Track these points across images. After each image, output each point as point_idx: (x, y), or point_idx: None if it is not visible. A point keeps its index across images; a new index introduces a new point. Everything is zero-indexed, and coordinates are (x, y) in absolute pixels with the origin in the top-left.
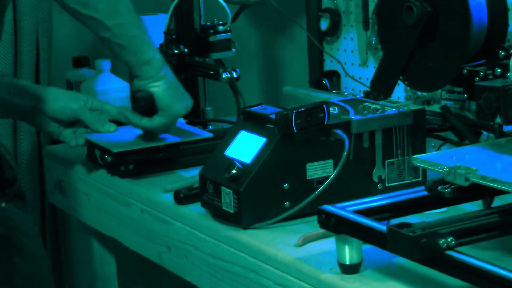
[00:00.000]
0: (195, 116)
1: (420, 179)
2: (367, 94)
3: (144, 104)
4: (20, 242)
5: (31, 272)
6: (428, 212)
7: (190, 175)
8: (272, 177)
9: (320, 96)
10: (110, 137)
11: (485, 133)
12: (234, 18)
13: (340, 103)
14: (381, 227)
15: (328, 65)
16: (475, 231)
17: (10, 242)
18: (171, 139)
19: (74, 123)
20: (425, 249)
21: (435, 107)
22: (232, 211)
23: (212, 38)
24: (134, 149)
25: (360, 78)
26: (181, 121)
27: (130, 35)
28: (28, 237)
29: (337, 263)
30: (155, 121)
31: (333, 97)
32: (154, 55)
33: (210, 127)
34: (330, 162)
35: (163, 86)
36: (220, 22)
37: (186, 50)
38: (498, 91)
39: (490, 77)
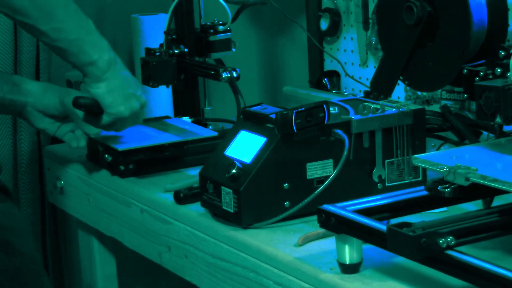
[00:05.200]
0: (195, 116)
1: (420, 179)
2: (367, 94)
3: (85, 110)
4: (1, 237)
5: (15, 267)
6: (428, 212)
7: (195, 174)
8: (272, 177)
9: (320, 96)
10: (113, 136)
11: (485, 133)
12: (234, 18)
13: (340, 103)
14: (381, 226)
15: (328, 65)
16: (475, 230)
17: None
18: (175, 137)
19: (67, 118)
20: (425, 248)
21: (435, 107)
22: (232, 211)
23: (212, 38)
24: (139, 147)
25: (360, 78)
26: (187, 120)
27: (70, 38)
28: (12, 232)
29: (337, 262)
30: (102, 120)
31: (333, 97)
32: (100, 56)
33: (210, 127)
34: (330, 162)
35: (104, 88)
36: (220, 22)
37: (186, 50)
38: (498, 91)
39: (490, 77)
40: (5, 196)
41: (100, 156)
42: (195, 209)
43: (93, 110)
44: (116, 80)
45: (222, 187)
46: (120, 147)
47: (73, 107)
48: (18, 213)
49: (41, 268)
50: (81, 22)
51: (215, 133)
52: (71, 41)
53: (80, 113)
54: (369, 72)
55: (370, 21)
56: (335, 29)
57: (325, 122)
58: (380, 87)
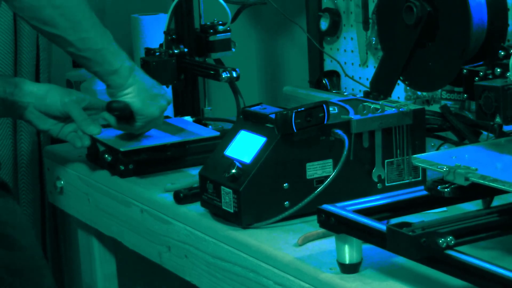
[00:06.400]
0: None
1: (419, 178)
2: (367, 94)
3: (119, 113)
4: (1, 232)
5: (16, 262)
6: (428, 211)
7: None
8: (272, 176)
9: (320, 96)
10: (115, 136)
11: (485, 133)
12: (234, 18)
13: (340, 103)
14: (381, 226)
15: (328, 65)
16: (475, 230)
17: None
18: (176, 138)
19: (70, 119)
20: (424, 248)
21: (435, 107)
22: (232, 211)
23: (212, 38)
24: (141, 147)
25: (360, 78)
26: (188, 120)
27: (95, 48)
28: (13, 227)
29: (337, 262)
30: (135, 124)
31: (333, 97)
32: (122, 64)
33: (210, 126)
34: (330, 162)
35: (132, 93)
36: (220, 22)
37: (186, 50)
38: (498, 91)
39: (490, 77)
40: (5, 192)
41: (100, 156)
42: (195, 209)
43: (126, 114)
44: (140, 84)
45: (222, 187)
46: (122, 148)
47: (107, 111)
48: (18, 209)
49: (43, 263)
50: (103, 32)
51: (217, 133)
52: (96, 50)
53: (80, 115)
54: (369, 72)
55: (370, 21)
56: (335, 29)
57: (325, 122)
58: (380, 87)
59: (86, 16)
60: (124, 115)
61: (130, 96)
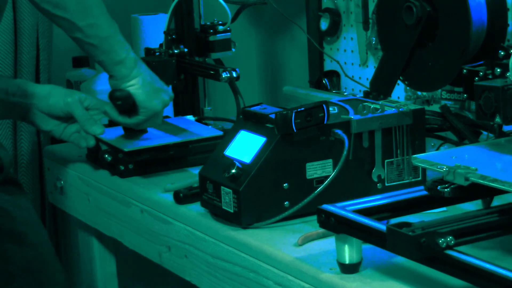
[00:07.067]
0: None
1: (419, 178)
2: (367, 94)
3: (122, 103)
4: (13, 228)
5: (28, 258)
6: (428, 211)
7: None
8: (271, 176)
9: (320, 96)
10: (117, 136)
11: (484, 133)
12: (234, 18)
13: (340, 103)
14: (381, 226)
15: (328, 65)
16: (475, 230)
17: (1, 229)
18: (180, 137)
19: (72, 119)
20: (424, 248)
21: (435, 107)
22: (231, 211)
23: (212, 38)
24: (145, 147)
25: (360, 78)
26: (191, 119)
27: (103, 35)
28: (24, 223)
29: (337, 262)
30: (133, 118)
31: (333, 97)
32: (128, 55)
33: (210, 126)
34: (329, 162)
35: (136, 84)
36: (220, 22)
37: (186, 50)
38: (497, 91)
39: (490, 77)
40: (17, 189)
41: (100, 156)
42: (195, 209)
43: (128, 104)
44: (144, 76)
45: (222, 187)
46: (126, 148)
47: (110, 100)
48: (29, 205)
49: (54, 259)
50: (111, 21)
51: (220, 132)
52: (103, 38)
53: (83, 115)
54: (369, 72)
55: (370, 21)
56: (335, 29)
57: (325, 122)
58: (380, 87)
59: (96, 2)
60: (126, 106)
61: (134, 87)
